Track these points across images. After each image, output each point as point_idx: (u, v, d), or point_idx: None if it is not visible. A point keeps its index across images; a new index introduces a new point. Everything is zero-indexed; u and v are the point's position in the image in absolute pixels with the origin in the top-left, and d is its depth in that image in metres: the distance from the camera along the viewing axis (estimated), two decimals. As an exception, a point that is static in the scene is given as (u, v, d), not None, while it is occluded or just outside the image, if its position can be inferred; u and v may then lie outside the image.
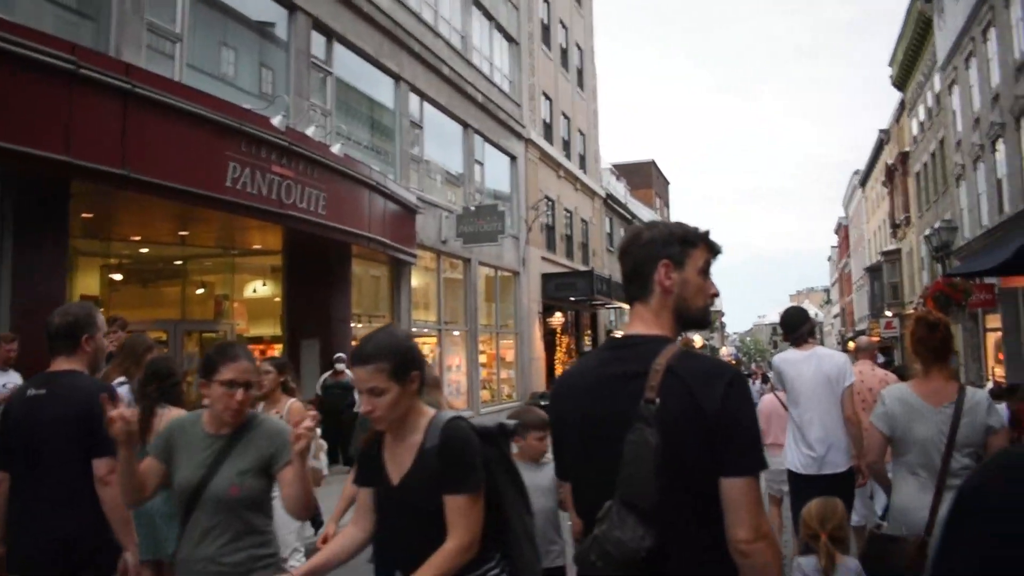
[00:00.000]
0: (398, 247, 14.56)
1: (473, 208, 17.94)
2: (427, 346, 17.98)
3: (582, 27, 31.19)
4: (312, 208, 11.35)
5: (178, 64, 10.83)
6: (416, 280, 17.95)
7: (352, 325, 14.69)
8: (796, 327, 5.34)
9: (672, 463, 1.73)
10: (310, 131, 11.84)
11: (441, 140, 19.06)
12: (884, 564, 3.23)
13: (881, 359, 9.71)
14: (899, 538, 3.26)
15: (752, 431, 1.82)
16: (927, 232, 18.99)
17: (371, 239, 13.20)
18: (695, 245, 1.99)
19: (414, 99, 17.22)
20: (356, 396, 11.41)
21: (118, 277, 12.88)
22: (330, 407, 11.46)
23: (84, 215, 10.09)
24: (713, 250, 2.04)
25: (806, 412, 5.01)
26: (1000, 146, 21.78)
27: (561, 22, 28.00)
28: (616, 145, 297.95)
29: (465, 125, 19.75)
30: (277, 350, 13.55)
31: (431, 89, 17.85)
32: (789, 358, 5.25)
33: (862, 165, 50.15)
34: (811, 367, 5.07)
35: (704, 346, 51.23)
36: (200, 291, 13.94)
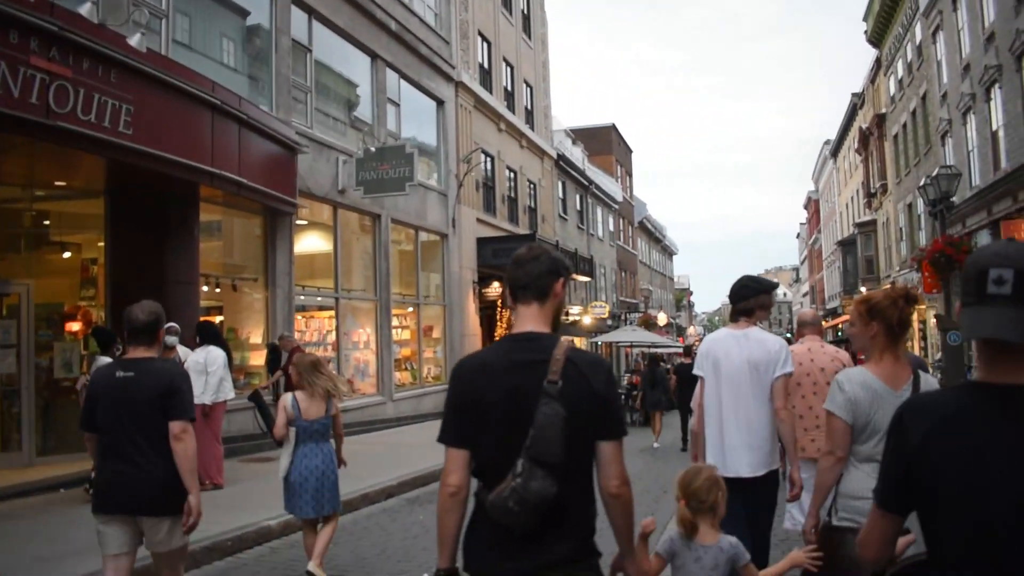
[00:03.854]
0: (265, 191, 11.44)
1: (374, 149, 14.77)
2: (319, 318, 14.88)
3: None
4: (107, 124, 8.20)
5: None
6: (309, 238, 14.86)
7: (205, 288, 11.60)
8: (738, 300, 4.65)
9: (570, 429, 2.25)
10: (133, 40, 8.67)
11: (343, 71, 15.89)
12: (839, 556, 3.11)
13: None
14: (855, 529, 2.98)
15: (620, 407, 2.61)
16: (923, 182, 16.13)
17: (216, 175, 10.06)
18: (569, 272, 2.61)
19: (299, 14, 14.02)
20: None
21: None
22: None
23: None
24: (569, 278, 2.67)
25: (726, 403, 4.44)
26: (995, 93, 19.06)
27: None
28: (576, 111, 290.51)
29: (373, 55, 16.58)
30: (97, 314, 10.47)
31: (323, 5, 14.66)
32: (719, 337, 4.68)
33: (834, 135, 47.51)
34: (740, 351, 4.44)
35: (669, 323, 48.56)
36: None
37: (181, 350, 8.99)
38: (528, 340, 2.43)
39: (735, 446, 4.34)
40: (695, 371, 4.68)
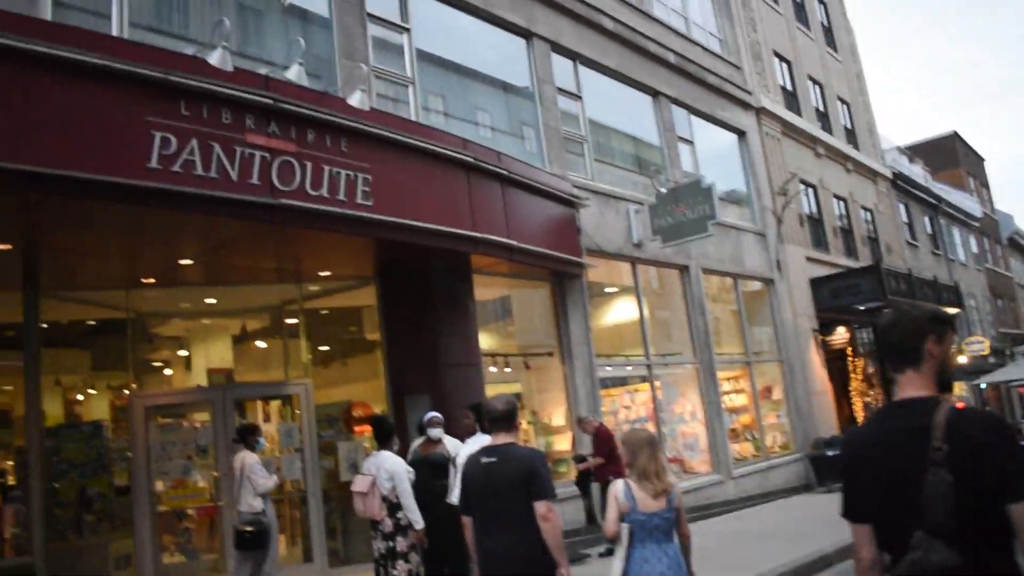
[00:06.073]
0: (544, 252, 10.14)
1: (665, 191, 12.94)
2: (631, 391, 13.09)
3: (821, -26, 25.18)
4: (342, 197, 7.35)
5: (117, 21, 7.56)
6: (608, 301, 13.33)
7: (493, 368, 10.42)
8: None
9: (964, 496, 2.11)
10: (354, 100, 7.92)
11: (621, 114, 14.45)
12: None
13: None
14: None
15: (1020, 464, 2.18)
16: None
17: (480, 240, 8.90)
18: (944, 325, 2.43)
19: (561, 62, 12.87)
20: (452, 479, 7.28)
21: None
22: (418, 493, 7.26)
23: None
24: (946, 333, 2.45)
25: None
26: None
27: (787, -33, 22.36)
28: (906, 124, 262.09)
29: (654, 93, 14.97)
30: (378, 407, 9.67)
31: (588, 48, 13.43)
32: None
33: None
34: None
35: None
36: (261, 343, 10.45)
37: (450, 442, 7.69)
38: (907, 407, 2.39)
39: None
40: None
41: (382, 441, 7.13)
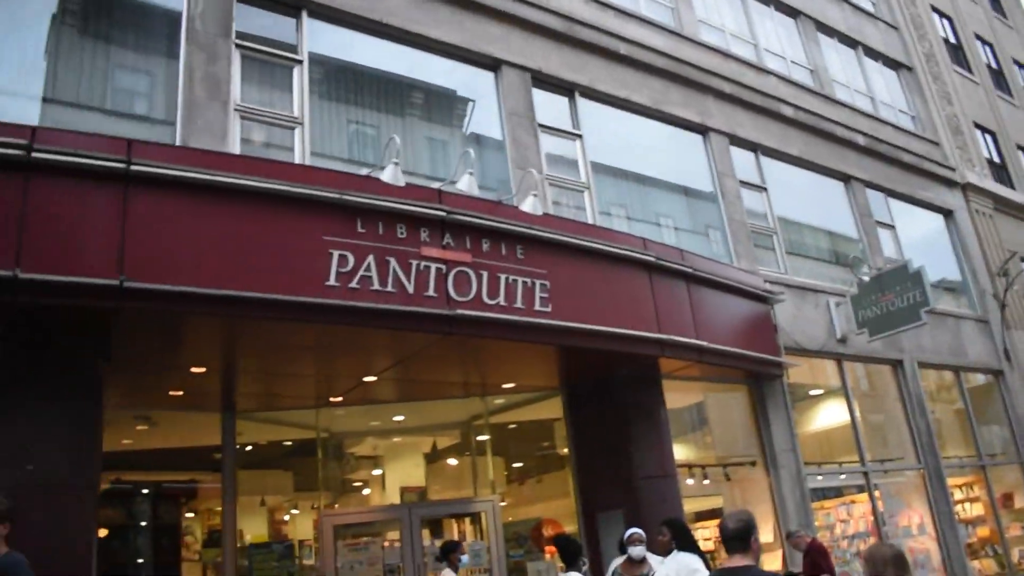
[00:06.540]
0: (737, 352, 9.44)
1: (868, 279, 11.89)
2: (849, 504, 11.76)
3: (1017, 40, 23.41)
4: (519, 304, 7.15)
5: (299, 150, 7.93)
6: (814, 404, 12.26)
7: (690, 481, 9.68)
8: None
9: None
10: (526, 205, 7.85)
11: (811, 203, 13.64)
12: None
13: None
14: None
15: None
16: None
17: (666, 343, 8.37)
18: None
19: (741, 154, 12.37)
20: None
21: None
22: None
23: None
24: None
25: None
26: None
27: (979, 37, 20.94)
28: None
29: (846, 178, 14.08)
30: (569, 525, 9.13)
31: (769, 137, 12.87)
32: None
33: None
34: None
35: None
36: (452, 461, 10.21)
37: (654, 561, 7.03)
38: None
39: None
40: None
41: (569, 563, 6.63)
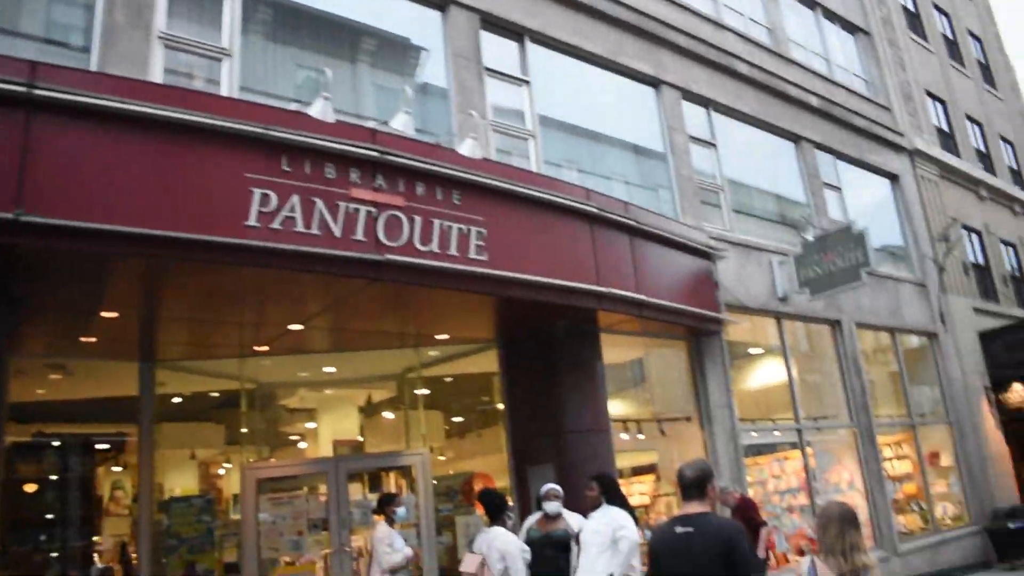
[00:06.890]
0: (677, 307, 9.35)
1: (813, 239, 11.90)
2: (782, 460, 11.91)
3: (973, 12, 23.57)
4: (453, 252, 6.93)
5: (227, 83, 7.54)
6: (752, 361, 12.33)
7: (624, 436, 9.65)
8: None
9: None
10: (464, 148, 7.59)
11: (761, 161, 13.57)
12: None
13: None
14: None
15: None
16: None
17: (604, 295, 8.24)
18: None
19: (692, 109, 12.21)
20: (575, 558, 6.60)
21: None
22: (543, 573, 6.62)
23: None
24: None
25: None
26: None
27: (936, 7, 21.01)
28: None
29: (795, 138, 14.03)
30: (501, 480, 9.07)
31: (720, 93, 12.71)
32: None
33: None
34: None
35: None
36: (388, 414, 10.06)
37: (570, 517, 6.96)
38: None
39: None
40: None
41: (493, 517, 6.53)
